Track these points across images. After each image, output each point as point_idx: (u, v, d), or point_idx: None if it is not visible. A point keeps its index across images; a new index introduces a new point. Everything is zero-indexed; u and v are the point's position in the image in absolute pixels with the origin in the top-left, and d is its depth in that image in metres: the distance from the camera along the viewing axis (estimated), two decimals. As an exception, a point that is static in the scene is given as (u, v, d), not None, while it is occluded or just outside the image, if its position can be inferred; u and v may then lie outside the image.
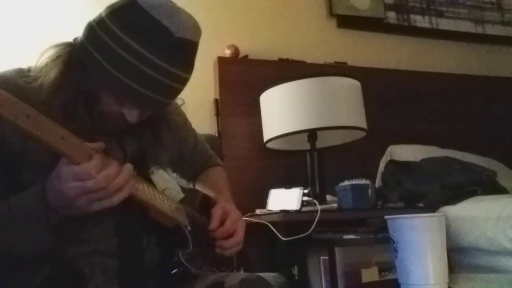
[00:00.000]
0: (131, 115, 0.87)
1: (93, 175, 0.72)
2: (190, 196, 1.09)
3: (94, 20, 0.87)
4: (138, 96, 0.83)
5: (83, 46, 0.85)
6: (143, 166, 0.95)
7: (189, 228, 0.96)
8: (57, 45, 0.89)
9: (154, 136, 0.97)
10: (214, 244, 1.00)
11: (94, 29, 0.85)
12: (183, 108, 1.09)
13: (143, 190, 0.85)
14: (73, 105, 0.84)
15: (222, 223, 1.01)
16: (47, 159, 0.76)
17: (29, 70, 0.88)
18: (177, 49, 0.84)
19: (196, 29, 0.88)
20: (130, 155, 0.94)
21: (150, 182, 0.92)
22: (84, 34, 0.87)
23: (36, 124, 0.67)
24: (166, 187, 1.00)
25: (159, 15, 0.82)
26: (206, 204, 1.09)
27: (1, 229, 0.76)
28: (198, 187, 1.22)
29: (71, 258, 0.83)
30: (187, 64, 0.88)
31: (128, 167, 0.77)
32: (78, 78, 0.85)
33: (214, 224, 0.99)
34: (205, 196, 1.14)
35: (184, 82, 0.89)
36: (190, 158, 1.21)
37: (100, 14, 0.87)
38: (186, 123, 1.19)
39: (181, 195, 1.06)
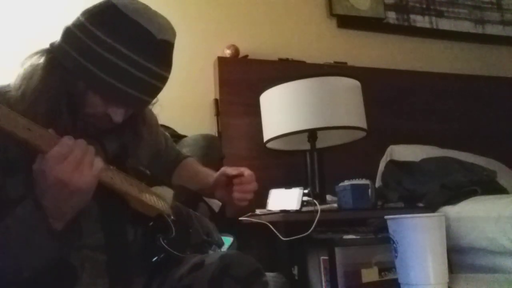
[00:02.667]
0: (117, 115, 0.89)
1: (71, 144, 0.73)
2: (176, 191, 1.11)
3: (73, 25, 0.88)
4: (125, 96, 0.86)
5: (63, 51, 0.87)
6: (124, 162, 0.97)
7: (172, 217, 0.98)
8: (36, 53, 0.90)
9: (133, 132, 1.00)
10: (237, 189, 1.09)
11: (75, 33, 0.86)
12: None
13: (119, 181, 0.87)
14: (57, 110, 0.86)
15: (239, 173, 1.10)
16: (30, 166, 0.76)
17: (9, 85, 0.89)
18: (159, 50, 0.88)
19: (173, 31, 0.93)
20: (111, 153, 0.96)
21: (130, 175, 0.94)
22: (63, 38, 0.88)
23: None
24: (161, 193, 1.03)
25: (139, 19, 0.85)
26: (193, 197, 1.13)
27: (3, 249, 0.75)
28: (178, 180, 1.26)
29: (64, 251, 0.84)
30: (168, 64, 0.92)
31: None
32: (59, 83, 0.86)
33: (234, 170, 1.11)
34: (191, 190, 1.18)
35: (165, 81, 0.93)
36: (164, 153, 1.25)
37: (78, 18, 0.88)
38: (157, 122, 1.22)
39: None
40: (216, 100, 2.17)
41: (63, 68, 0.86)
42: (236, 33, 2.33)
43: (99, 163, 0.76)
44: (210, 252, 1.03)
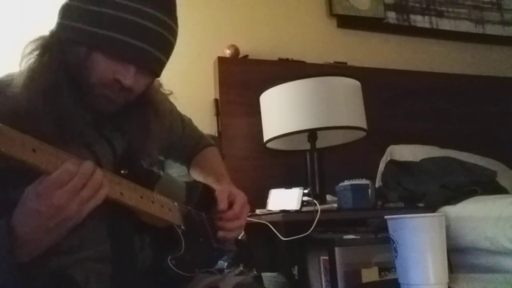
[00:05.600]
0: (126, 77, 0.82)
1: (74, 171, 0.68)
2: (189, 187, 1.07)
3: (65, 2, 0.85)
4: (132, 50, 0.81)
5: (61, 26, 0.84)
6: (134, 163, 0.92)
7: (183, 227, 0.94)
8: (35, 40, 0.86)
9: (143, 127, 0.93)
10: (218, 226, 0.98)
11: (68, 5, 0.84)
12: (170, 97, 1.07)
13: (128, 195, 0.81)
14: (56, 89, 0.80)
15: (230, 205, 0.99)
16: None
17: (12, 74, 0.86)
18: None
19: None
20: (120, 153, 0.91)
21: (141, 180, 0.89)
22: (60, 16, 0.85)
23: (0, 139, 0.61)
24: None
25: None
26: (207, 195, 1.06)
27: None
28: (193, 173, 1.20)
29: (64, 267, 0.80)
30: (175, 15, 0.87)
31: (99, 169, 0.73)
32: (59, 57, 0.82)
33: (223, 204, 0.97)
34: (205, 187, 1.11)
35: (174, 34, 0.87)
36: (180, 142, 1.19)
37: None
38: (172, 109, 1.16)
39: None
40: (216, 100, 2.17)
41: (61, 42, 0.83)
42: (236, 33, 2.33)
43: (100, 196, 0.71)
44: (220, 262, 0.99)
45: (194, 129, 1.26)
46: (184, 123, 1.21)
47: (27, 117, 0.77)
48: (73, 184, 0.68)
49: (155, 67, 0.88)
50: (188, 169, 1.23)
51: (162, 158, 1.16)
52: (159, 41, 0.84)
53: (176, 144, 1.18)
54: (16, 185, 0.74)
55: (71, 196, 0.68)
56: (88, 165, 0.71)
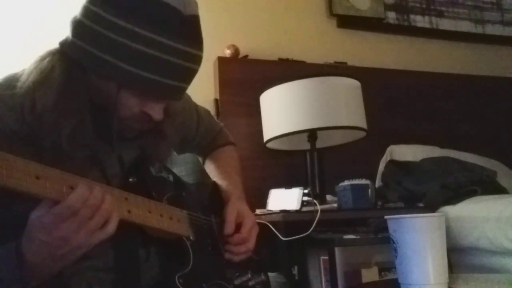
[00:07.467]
0: (156, 111, 0.80)
1: (81, 202, 0.65)
2: (197, 190, 1.06)
3: (84, 16, 0.76)
4: (163, 88, 0.77)
5: (81, 50, 0.76)
6: (143, 171, 0.89)
7: (191, 238, 0.91)
8: (46, 55, 0.80)
9: (156, 132, 0.88)
10: (224, 248, 0.97)
11: (89, 26, 0.75)
12: None
13: (136, 212, 0.78)
14: (83, 131, 0.77)
15: (238, 228, 0.97)
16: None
17: (15, 84, 0.78)
18: (189, 27, 0.78)
19: (195, 1, 0.81)
20: (128, 163, 0.88)
21: (151, 188, 0.87)
22: (76, 35, 0.77)
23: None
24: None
25: None
26: (216, 199, 1.05)
27: None
28: (207, 169, 1.18)
29: (65, 275, 0.78)
30: (201, 41, 0.81)
31: (109, 197, 0.70)
32: (83, 91, 0.77)
33: (229, 228, 0.96)
34: (215, 188, 1.09)
35: (200, 61, 0.82)
36: (195, 139, 1.16)
37: (88, 7, 0.76)
38: (185, 105, 1.10)
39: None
40: (216, 100, 2.17)
41: (83, 70, 0.77)
42: (236, 33, 2.33)
43: (112, 225, 0.69)
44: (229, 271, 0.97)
45: (211, 124, 1.21)
46: (200, 119, 1.16)
47: (44, 151, 0.75)
48: (80, 216, 0.66)
49: (182, 97, 0.87)
50: (203, 163, 1.21)
51: (174, 152, 1.14)
52: (188, 75, 0.82)
53: (189, 140, 1.15)
54: (20, 202, 0.70)
55: (78, 228, 0.66)
56: (97, 194, 0.68)
